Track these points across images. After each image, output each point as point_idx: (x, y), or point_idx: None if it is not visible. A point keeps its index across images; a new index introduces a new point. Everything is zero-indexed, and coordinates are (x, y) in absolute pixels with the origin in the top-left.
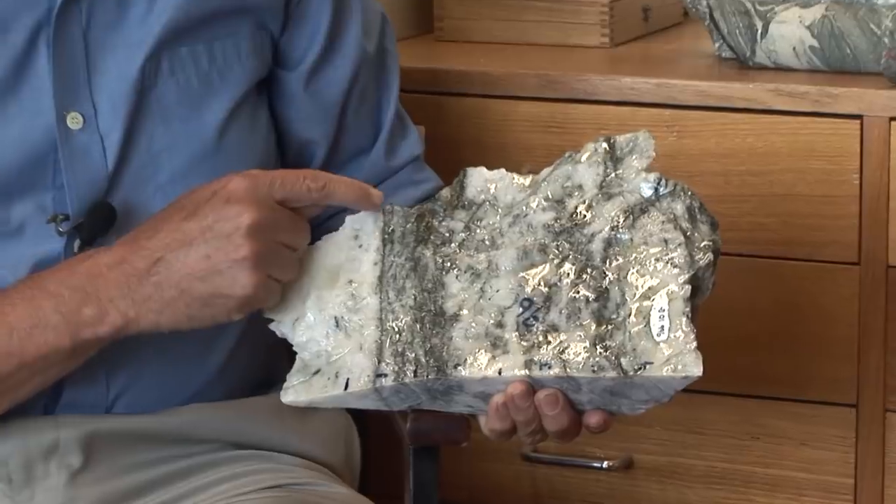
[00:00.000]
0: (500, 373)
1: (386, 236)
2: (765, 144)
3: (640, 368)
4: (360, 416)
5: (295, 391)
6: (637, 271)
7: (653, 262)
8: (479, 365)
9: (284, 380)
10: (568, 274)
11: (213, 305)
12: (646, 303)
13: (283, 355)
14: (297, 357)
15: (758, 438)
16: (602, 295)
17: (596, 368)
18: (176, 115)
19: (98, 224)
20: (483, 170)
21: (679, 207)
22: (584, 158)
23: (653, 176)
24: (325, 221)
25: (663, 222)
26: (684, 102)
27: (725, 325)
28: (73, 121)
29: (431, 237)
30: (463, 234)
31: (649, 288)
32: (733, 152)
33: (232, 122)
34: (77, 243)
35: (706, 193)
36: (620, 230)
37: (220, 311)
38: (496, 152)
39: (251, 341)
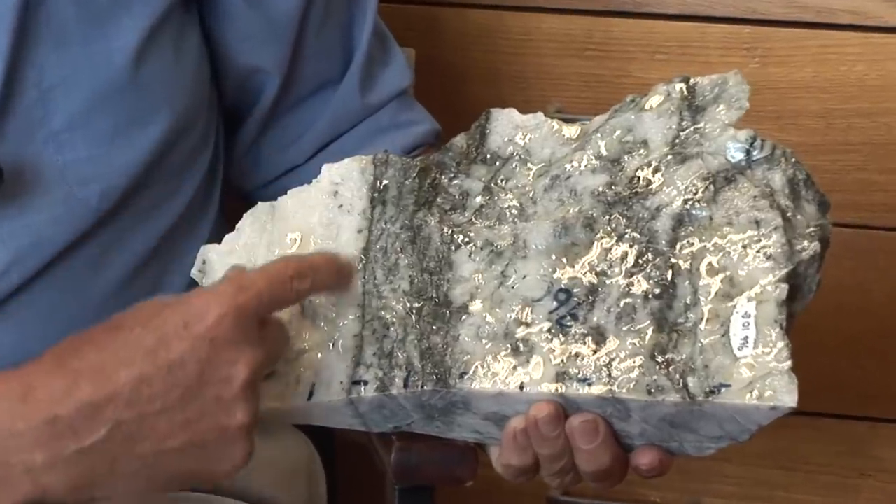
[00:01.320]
0: (521, 388)
1: (376, 195)
2: (879, 75)
3: (712, 392)
4: (327, 442)
5: None
6: (716, 261)
7: (739, 249)
8: (493, 375)
9: None
10: (622, 259)
11: (185, 481)
12: (725, 304)
13: None
14: None
15: (869, 476)
16: (666, 291)
17: (653, 389)
18: (74, 38)
19: None
20: (513, 113)
21: (778, 178)
22: (651, 105)
23: (744, 134)
24: (288, 171)
25: (755, 197)
26: (770, 16)
27: (824, 324)
28: None
29: (438, 199)
30: (481, 198)
31: (731, 285)
32: (836, 85)
33: (150, 46)
34: None
35: (799, 141)
36: (697, 204)
37: (190, 484)
38: (511, 85)
39: None
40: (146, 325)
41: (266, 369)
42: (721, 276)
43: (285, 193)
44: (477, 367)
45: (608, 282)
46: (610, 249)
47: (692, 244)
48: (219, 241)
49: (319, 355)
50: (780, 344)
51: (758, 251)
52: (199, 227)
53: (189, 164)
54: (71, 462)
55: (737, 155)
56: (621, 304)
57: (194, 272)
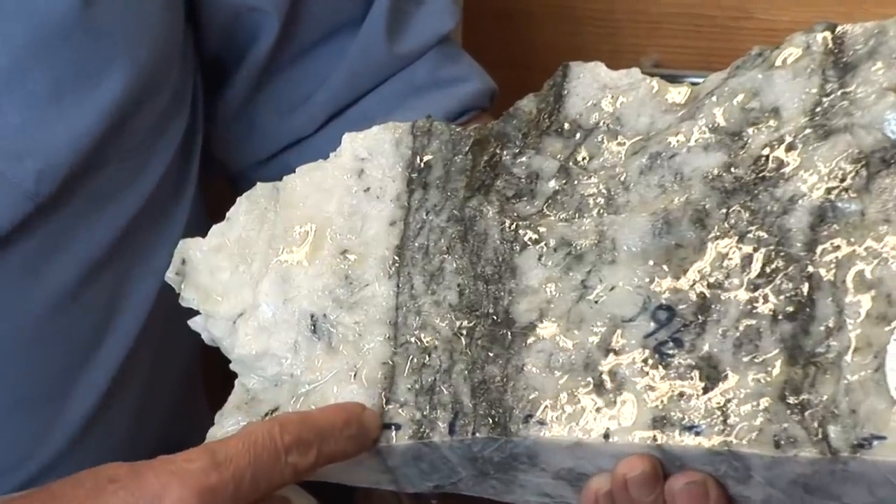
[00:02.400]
0: (606, 436)
1: (415, 175)
2: None
3: (861, 447)
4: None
5: None
6: (869, 271)
7: None
8: (569, 420)
9: (205, 429)
10: (743, 267)
11: None
12: (881, 329)
13: (199, 388)
14: (237, 383)
15: None
16: (802, 310)
17: (782, 442)
18: None
19: None
20: (599, 68)
21: None
22: (785, 60)
23: None
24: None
25: None
26: None
27: None
28: None
29: (498, 183)
30: (555, 182)
31: (889, 303)
32: None
33: None
34: None
35: None
36: (844, 195)
37: None
38: (594, 29)
39: (140, 384)
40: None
41: None
42: (874, 291)
43: (285, 174)
44: (547, 408)
45: (724, 297)
46: (727, 254)
47: (837, 248)
48: (200, 235)
49: (336, 389)
50: None
51: None
52: (171, 216)
53: (157, 133)
54: None
55: None
56: (741, 326)
57: (170, 275)
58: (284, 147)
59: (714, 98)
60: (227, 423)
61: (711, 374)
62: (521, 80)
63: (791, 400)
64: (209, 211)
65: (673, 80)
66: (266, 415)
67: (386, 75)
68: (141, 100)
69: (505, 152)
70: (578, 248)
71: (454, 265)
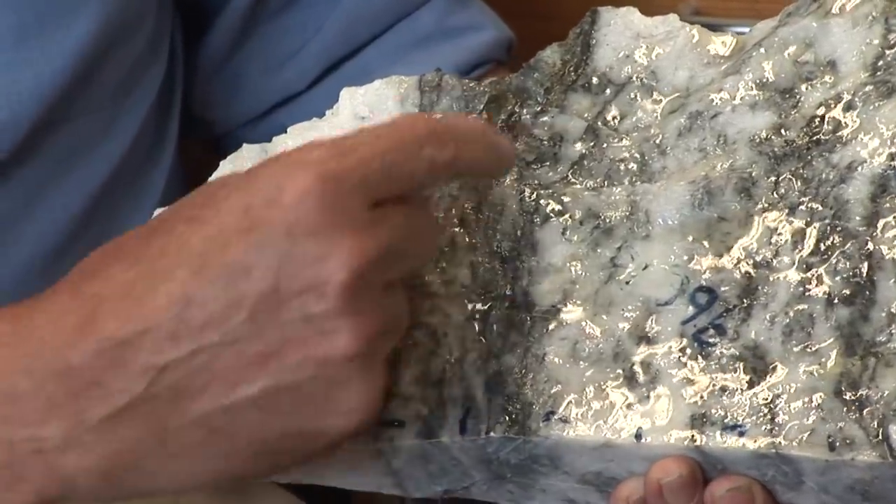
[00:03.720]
0: (638, 437)
1: None
2: None
3: None
4: None
5: None
6: None
7: None
8: (596, 417)
9: None
10: (795, 244)
11: (280, 456)
12: None
13: None
14: None
15: None
16: (861, 293)
17: (837, 443)
18: None
19: None
20: (632, 15)
21: None
22: (842, 7)
23: None
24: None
25: None
26: None
27: None
28: None
29: (517, 146)
30: (582, 145)
31: None
32: None
33: None
34: None
35: None
36: None
37: (292, 459)
38: None
39: None
40: (193, 220)
41: (388, 275)
42: None
43: (276, 136)
44: (571, 403)
45: (773, 277)
46: (776, 228)
47: None
48: None
49: None
50: None
51: None
52: (147, 181)
53: (130, 85)
54: (100, 434)
55: None
56: (792, 311)
57: None
58: (275, 105)
59: (762, 50)
60: None
61: (758, 365)
62: (543, 32)
63: (848, 396)
64: (188, 177)
65: (715, 29)
66: None
67: (387, 24)
68: (112, 46)
69: (525, 111)
70: (608, 220)
71: (467, 240)
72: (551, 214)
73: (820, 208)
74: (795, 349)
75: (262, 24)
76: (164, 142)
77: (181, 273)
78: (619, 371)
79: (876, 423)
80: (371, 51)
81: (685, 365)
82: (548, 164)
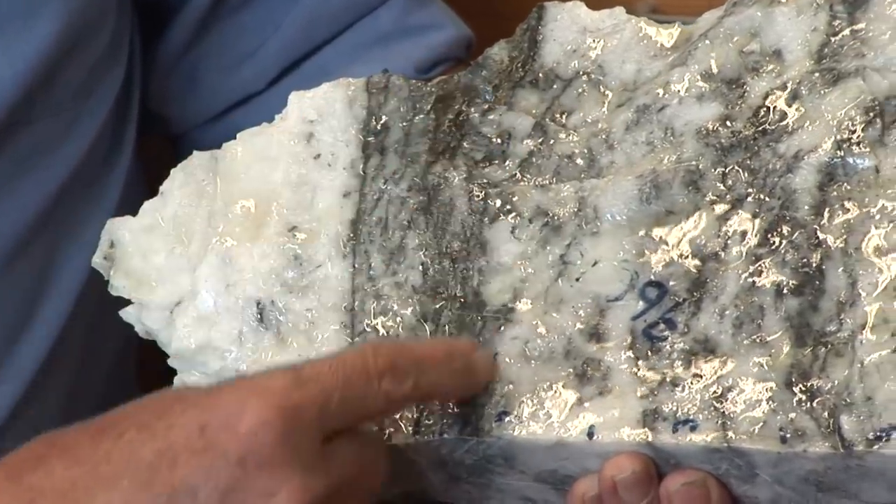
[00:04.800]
0: (591, 434)
1: (371, 139)
2: None
3: (879, 439)
4: None
5: None
6: (883, 237)
7: None
8: (548, 416)
9: None
10: (742, 236)
11: None
12: None
13: (133, 383)
14: (176, 381)
15: None
16: (810, 283)
17: (789, 435)
18: None
19: None
20: (579, 8)
21: None
22: None
23: None
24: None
25: None
26: None
27: None
28: None
29: (465, 145)
30: (530, 142)
31: None
32: None
33: None
34: None
35: None
36: (856, 149)
37: None
38: None
39: (71, 370)
40: (144, 429)
41: None
42: (893, 258)
43: (234, 137)
44: (523, 403)
45: (722, 270)
46: (725, 220)
47: (848, 210)
48: (133, 212)
49: None
50: None
51: None
52: (106, 181)
53: (90, 87)
54: None
55: None
56: (742, 304)
57: (97, 259)
58: (233, 105)
59: (708, 41)
60: None
61: (708, 358)
62: (502, 30)
63: (798, 387)
64: (146, 180)
65: (664, 22)
66: None
67: (346, 23)
68: (73, 48)
69: (472, 109)
70: (556, 218)
71: (416, 241)
72: (500, 213)
73: (767, 199)
74: (745, 341)
75: (220, 21)
76: (123, 144)
77: (125, 484)
78: (571, 369)
79: (827, 413)
80: (330, 50)
81: (636, 361)
82: (496, 162)
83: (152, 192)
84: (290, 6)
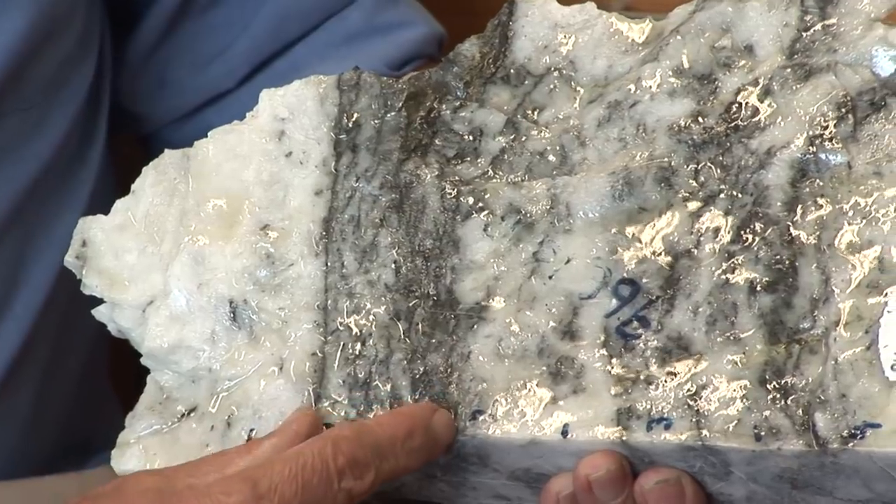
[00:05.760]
0: (565, 433)
1: (343, 136)
2: None
3: (853, 436)
4: None
5: (140, 451)
6: (857, 233)
7: (893, 214)
8: (521, 415)
9: (115, 434)
10: (715, 232)
11: None
12: (873, 300)
13: (105, 382)
14: (149, 380)
15: None
16: (783, 280)
17: (763, 433)
18: None
19: None
20: (550, 3)
21: None
22: None
23: None
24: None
25: None
26: None
27: None
28: None
29: (437, 142)
30: (502, 139)
31: (882, 269)
32: None
33: None
34: None
35: None
36: (828, 145)
37: None
38: None
39: (42, 367)
40: None
41: None
42: (866, 255)
43: (206, 135)
44: (497, 401)
45: (695, 267)
46: (698, 217)
47: (821, 207)
48: (105, 208)
49: (261, 384)
50: None
51: None
52: (76, 178)
53: (61, 82)
54: None
55: (888, 67)
56: (715, 301)
57: (69, 258)
58: (204, 103)
59: (679, 36)
60: (140, 427)
61: (682, 356)
62: (473, 28)
63: (772, 384)
64: (117, 177)
65: (636, 18)
66: (182, 416)
67: (317, 21)
68: (43, 43)
69: (444, 106)
70: (529, 215)
71: (389, 239)
72: (472, 211)
73: (740, 196)
74: (719, 339)
75: (189, 20)
76: (94, 140)
77: None
78: (545, 367)
79: (801, 410)
80: (301, 48)
81: (610, 359)
82: (468, 159)
83: (124, 190)
84: (259, 5)
